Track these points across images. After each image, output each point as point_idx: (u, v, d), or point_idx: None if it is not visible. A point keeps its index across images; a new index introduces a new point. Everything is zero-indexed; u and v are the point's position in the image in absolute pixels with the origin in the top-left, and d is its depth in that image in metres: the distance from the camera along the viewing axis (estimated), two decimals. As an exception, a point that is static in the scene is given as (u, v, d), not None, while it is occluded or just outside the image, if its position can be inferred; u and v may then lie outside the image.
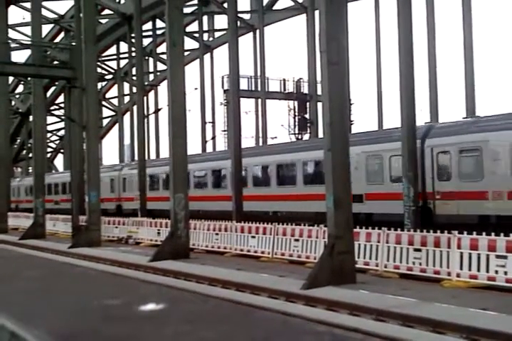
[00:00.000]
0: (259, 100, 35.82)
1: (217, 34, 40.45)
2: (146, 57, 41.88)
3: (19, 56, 70.92)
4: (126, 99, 45.90)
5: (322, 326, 6.27)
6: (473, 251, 10.37)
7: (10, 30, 37.03)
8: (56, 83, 43.53)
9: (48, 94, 46.66)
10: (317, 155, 17.62)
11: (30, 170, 47.68)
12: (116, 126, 47.02)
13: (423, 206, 16.12)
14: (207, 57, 39.69)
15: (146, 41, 40.02)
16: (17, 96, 52.20)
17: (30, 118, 39.57)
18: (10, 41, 29.90)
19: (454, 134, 16.00)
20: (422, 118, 26.37)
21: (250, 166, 23.17)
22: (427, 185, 16.25)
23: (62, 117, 46.91)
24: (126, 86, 45.95)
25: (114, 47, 44.85)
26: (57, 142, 57.15)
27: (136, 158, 31.04)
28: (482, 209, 14.70)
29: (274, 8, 37.20)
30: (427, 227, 12.33)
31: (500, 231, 10.65)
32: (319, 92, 28.24)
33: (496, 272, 9.98)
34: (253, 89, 35.89)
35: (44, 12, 34.70)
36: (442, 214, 15.67)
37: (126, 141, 43.90)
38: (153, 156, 39.54)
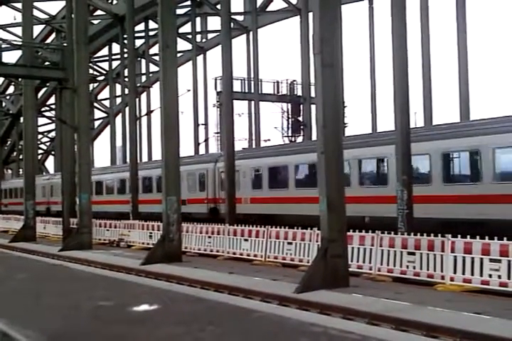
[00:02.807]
0: (253, 102, 35.78)
1: (210, 35, 40.42)
2: (139, 59, 41.76)
3: (10, 57, 70.35)
4: (118, 100, 45.76)
5: (318, 327, 6.22)
6: (467, 254, 10.34)
7: (0, 31, 36.95)
8: (47, 84, 43.28)
9: (39, 95, 46.41)
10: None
11: (21, 172, 47.38)
12: (108, 127, 46.82)
13: (214, 207, 24.96)
14: (200, 58, 39.65)
15: (138, 42, 39.88)
16: (7, 97, 51.90)
17: (21, 119, 39.46)
18: (1, 42, 29.75)
19: None
20: (417, 121, 26.49)
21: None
22: (216, 193, 24.94)
23: (54, 119, 46.57)
24: (118, 87, 45.83)
25: (106, 48, 44.72)
26: (48, 144, 56.77)
27: (128, 160, 30.91)
28: (240, 209, 21.64)
29: (268, 9, 37.18)
30: (216, 221, 18.08)
31: (251, 223, 15.84)
32: (313, 94, 28.38)
33: (490, 276, 9.96)
34: (246, 91, 35.82)
35: (35, 12, 34.48)
36: (224, 213, 22.37)
37: (118, 142, 43.73)
38: (145, 158, 39.39)
